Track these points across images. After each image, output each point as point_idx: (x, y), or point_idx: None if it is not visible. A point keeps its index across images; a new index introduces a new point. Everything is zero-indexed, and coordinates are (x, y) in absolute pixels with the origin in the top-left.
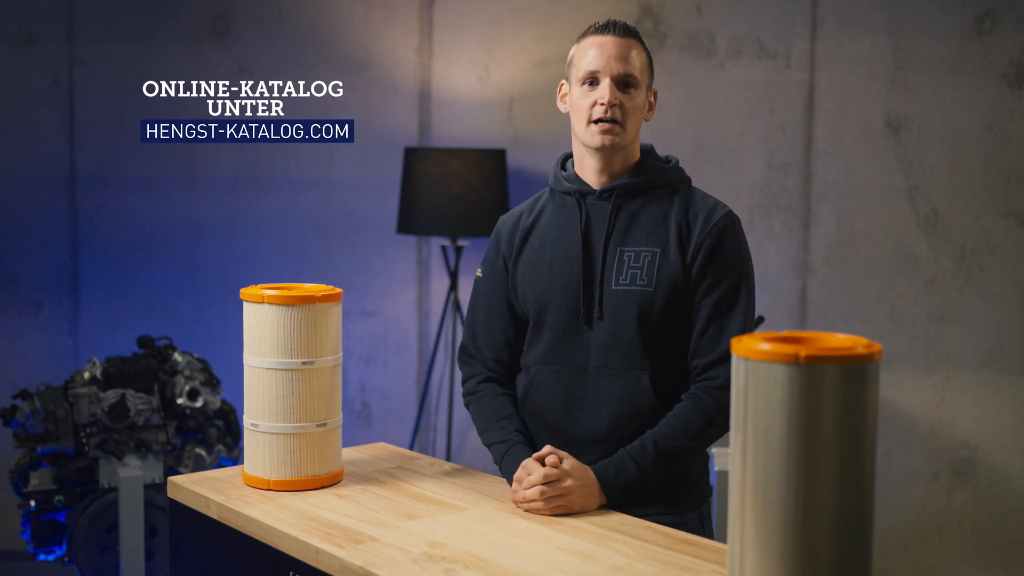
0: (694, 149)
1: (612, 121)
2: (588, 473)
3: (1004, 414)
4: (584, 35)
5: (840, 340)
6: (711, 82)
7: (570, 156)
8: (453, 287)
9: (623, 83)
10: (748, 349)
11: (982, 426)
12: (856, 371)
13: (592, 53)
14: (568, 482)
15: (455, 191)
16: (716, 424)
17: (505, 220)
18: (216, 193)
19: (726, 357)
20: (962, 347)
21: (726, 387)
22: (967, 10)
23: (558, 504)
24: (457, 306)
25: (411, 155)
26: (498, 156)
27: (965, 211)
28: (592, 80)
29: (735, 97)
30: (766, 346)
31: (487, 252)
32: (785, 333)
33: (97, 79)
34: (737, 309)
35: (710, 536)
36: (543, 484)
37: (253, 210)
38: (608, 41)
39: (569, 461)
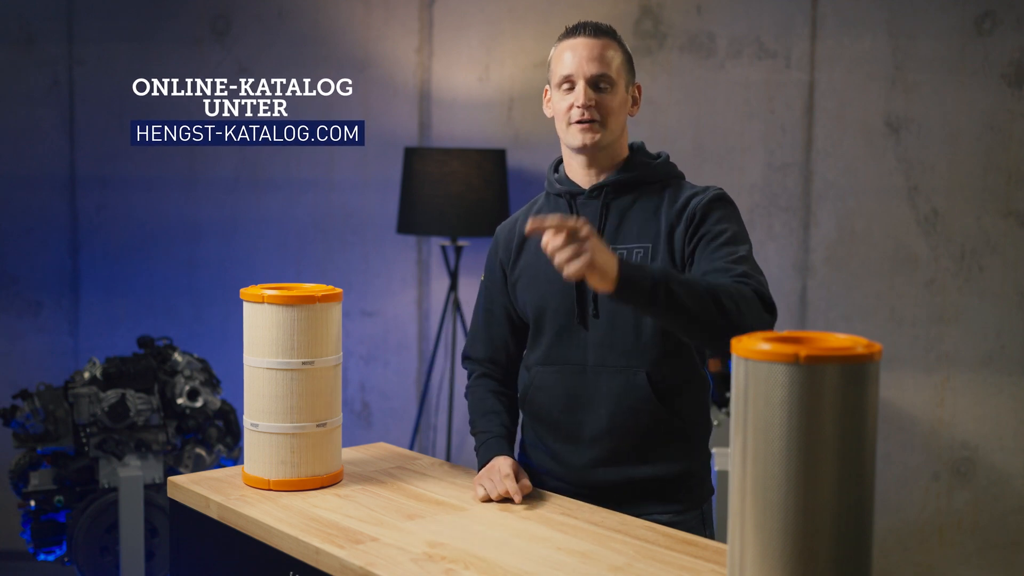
0: (694, 149)
1: (590, 121)
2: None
3: (1004, 414)
4: (558, 39)
5: (840, 340)
6: (711, 82)
7: (563, 160)
8: (453, 287)
9: (597, 84)
10: (748, 349)
11: (982, 426)
12: (856, 371)
13: (566, 57)
14: (585, 230)
15: (455, 191)
16: (740, 301)
17: (503, 227)
18: (216, 193)
19: (747, 276)
20: (962, 347)
21: (757, 293)
22: (967, 10)
23: (576, 250)
24: (457, 306)
25: (411, 155)
26: (498, 156)
27: (965, 211)
28: (568, 84)
29: (735, 97)
30: (766, 346)
31: (487, 258)
32: (785, 333)
33: (97, 79)
34: (741, 244)
35: (711, 536)
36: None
37: (253, 210)
38: (580, 43)
39: (588, 226)
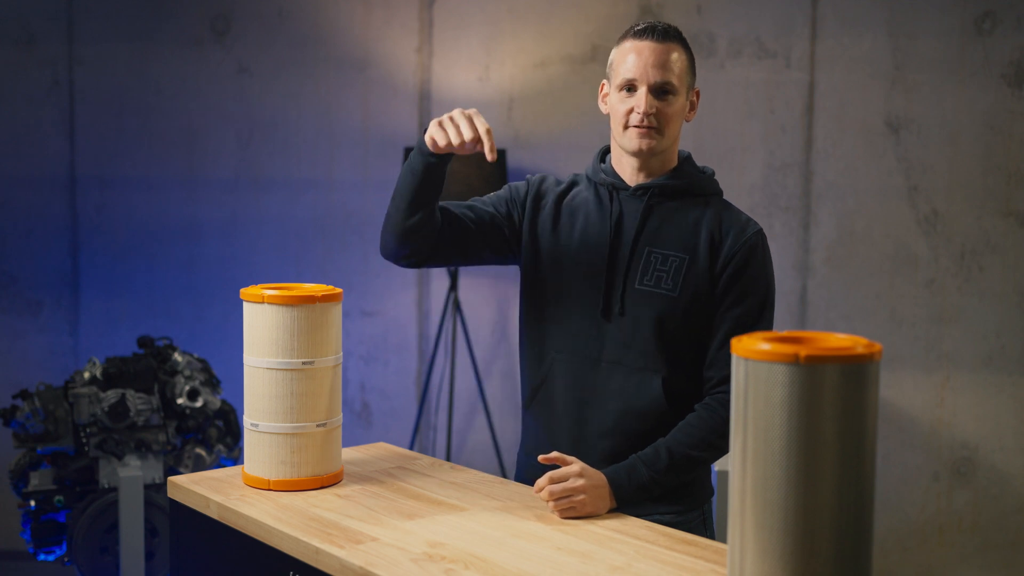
0: (694, 149)
1: (649, 127)
2: (598, 475)
3: (1004, 414)
4: (623, 38)
5: (840, 340)
6: (711, 82)
7: (610, 150)
8: (453, 287)
9: (661, 90)
10: (748, 349)
11: (982, 426)
12: (856, 371)
13: (630, 60)
14: (579, 482)
15: (455, 191)
16: (728, 437)
17: (545, 177)
18: (216, 193)
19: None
20: (962, 347)
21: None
22: (967, 10)
23: (568, 505)
24: (457, 306)
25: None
26: (498, 156)
27: (965, 211)
28: (630, 87)
29: (735, 97)
30: (766, 346)
31: (510, 187)
32: (785, 333)
33: (97, 79)
34: (758, 327)
35: (711, 536)
36: (551, 484)
37: (253, 210)
38: (646, 47)
39: (579, 463)
